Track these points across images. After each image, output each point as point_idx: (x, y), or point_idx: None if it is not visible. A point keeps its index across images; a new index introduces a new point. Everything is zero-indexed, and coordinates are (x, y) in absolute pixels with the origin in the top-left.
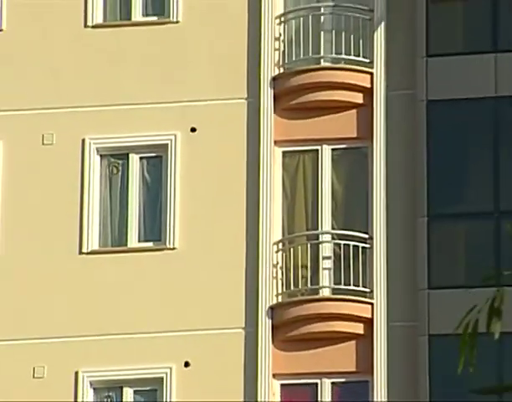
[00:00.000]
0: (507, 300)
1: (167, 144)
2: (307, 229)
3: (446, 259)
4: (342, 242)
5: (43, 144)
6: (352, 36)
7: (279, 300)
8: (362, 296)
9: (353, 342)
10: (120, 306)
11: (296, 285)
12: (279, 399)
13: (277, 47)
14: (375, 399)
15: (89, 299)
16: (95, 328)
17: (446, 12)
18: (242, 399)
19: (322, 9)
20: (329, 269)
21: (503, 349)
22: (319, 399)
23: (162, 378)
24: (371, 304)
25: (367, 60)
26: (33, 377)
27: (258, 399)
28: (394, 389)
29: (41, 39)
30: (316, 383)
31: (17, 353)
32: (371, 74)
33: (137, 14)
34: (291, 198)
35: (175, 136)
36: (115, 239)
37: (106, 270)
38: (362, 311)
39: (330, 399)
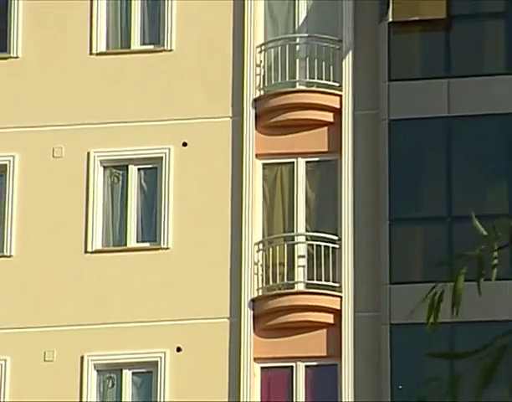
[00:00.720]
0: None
1: (162, 157)
2: (284, 232)
3: (405, 258)
4: (315, 243)
5: (53, 157)
6: (324, 63)
7: (260, 293)
8: (332, 290)
9: (324, 331)
10: (120, 298)
11: (274, 280)
12: (259, 380)
13: (258, 72)
14: (343, 381)
15: (93, 292)
16: (99, 318)
17: (405, 42)
18: (227, 380)
19: (297, 39)
20: (303, 266)
21: (455, 338)
22: (294, 381)
23: (157, 362)
24: (340, 297)
25: (337, 84)
26: (44, 360)
27: (241, 380)
28: (360, 371)
29: (52, 65)
30: (292, 366)
31: (30, 339)
32: (340, 96)
33: (136, 43)
34: (270, 204)
35: (169, 149)
36: (116, 240)
37: (108, 267)
38: (332, 303)
39: (303, 381)
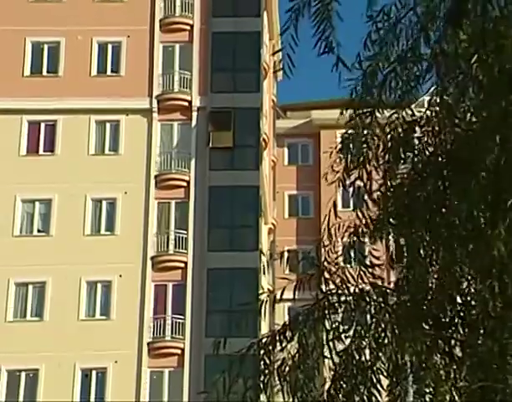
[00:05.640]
0: None
1: (116, 198)
2: (165, 229)
3: (215, 240)
4: (177, 234)
5: (70, 195)
6: (184, 162)
7: (154, 254)
8: (183, 253)
9: (180, 270)
10: (96, 253)
11: (161, 248)
12: (153, 290)
13: (157, 163)
14: (187, 292)
15: (86, 253)
16: (87, 262)
17: (217, 156)
18: (139, 287)
19: (172, 152)
20: (173, 243)
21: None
22: (166, 289)
23: (111, 281)
24: (187, 256)
25: (188, 170)
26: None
27: (146, 289)
28: (195, 287)
29: (74, 158)
30: (166, 285)
31: (58, 269)
32: (189, 175)
33: (106, 149)
34: (160, 219)
35: (119, 195)
36: (96, 230)
37: (93, 241)
38: (183, 258)
39: (171, 291)
